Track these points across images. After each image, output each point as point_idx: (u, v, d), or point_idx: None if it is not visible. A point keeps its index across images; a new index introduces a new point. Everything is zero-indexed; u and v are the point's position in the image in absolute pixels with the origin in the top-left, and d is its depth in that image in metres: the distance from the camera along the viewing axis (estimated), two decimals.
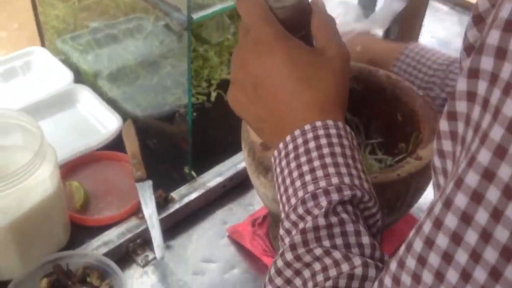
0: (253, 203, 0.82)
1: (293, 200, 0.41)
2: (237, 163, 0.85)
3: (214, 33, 1.04)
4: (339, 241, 0.39)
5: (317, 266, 0.38)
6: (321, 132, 0.42)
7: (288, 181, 0.42)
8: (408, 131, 0.64)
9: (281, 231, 0.42)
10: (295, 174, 0.42)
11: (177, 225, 0.78)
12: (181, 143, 0.87)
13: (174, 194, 0.79)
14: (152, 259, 0.73)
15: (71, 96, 0.91)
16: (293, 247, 0.39)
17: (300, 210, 0.40)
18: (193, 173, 0.82)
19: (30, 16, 1.21)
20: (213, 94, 0.98)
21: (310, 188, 0.40)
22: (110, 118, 0.88)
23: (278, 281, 0.40)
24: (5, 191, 0.56)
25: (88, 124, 0.89)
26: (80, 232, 0.73)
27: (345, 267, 0.37)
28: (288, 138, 0.43)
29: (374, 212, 0.42)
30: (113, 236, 0.72)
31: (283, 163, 0.43)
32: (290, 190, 0.42)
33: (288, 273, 0.39)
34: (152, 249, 0.74)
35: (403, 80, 0.67)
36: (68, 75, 0.93)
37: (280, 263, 0.40)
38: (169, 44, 0.93)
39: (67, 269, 0.64)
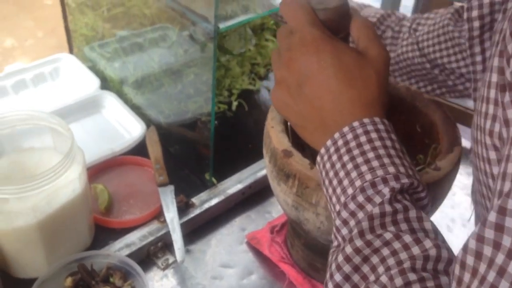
0: (271, 211, 0.84)
1: (349, 190, 0.42)
2: (257, 171, 0.87)
3: (237, 44, 1.07)
4: (403, 226, 0.40)
5: (385, 251, 0.39)
6: (370, 127, 0.44)
7: (342, 174, 0.43)
8: (426, 143, 0.65)
9: (338, 222, 0.43)
10: (349, 166, 0.43)
11: (197, 230, 0.80)
12: (202, 150, 0.89)
13: (195, 200, 0.81)
14: (172, 263, 0.74)
15: (98, 102, 0.94)
16: (361, 233, 0.40)
17: (360, 198, 0.41)
18: (214, 179, 0.84)
19: (57, 24, 1.25)
20: (234, 104, 1.00)
21: (368, 177, 0.42)
22: (134, 124, 0.90)
23: (341, 273, 0.40)
24: (36, 189, 0.58)
25: (113, 129, 0.91)
26: (104, 233, 0.75)
27: (415, 250, 0.39)
28: (336, 135, 0.44)
29: (425, 204, 0.44)
30: (135, 239, 0.74)
31: (334, 157, 0.44)
32: (346, 181, 0.43)
33: (356, 261, 0.40)
34: (172, 253, 0.75)
35: (423, 93, 0.69)
36: (95, 81, 0.96)
37: (344, 253, 0.40)
38: (193, 54, 0.96)
39: (91, 268, 0.66)
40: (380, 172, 0.42)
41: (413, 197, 0.44)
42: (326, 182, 0.45)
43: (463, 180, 0.92)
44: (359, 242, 0.40)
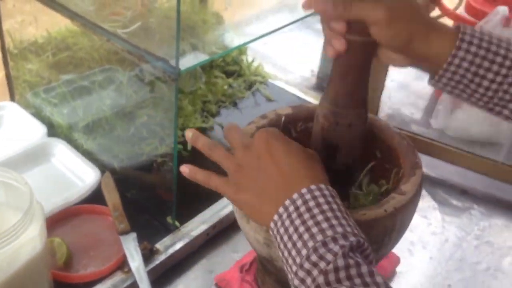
0: (238, 250, 0.83)
1: (303, 251, 0.46)
2: (219, 210, 0.86)
3: (187, 82, 1.06)
4: (357, 281, 0.43)
5: None
6: (317, 193, 0.49)
7: (295, 237, 0.47)
8: (387, 168, 0.67)
9: (296, 282, 0.46)
10: (301, 229, 0.47)
11: (163, 276, 0.77)
12: (162, 193, 0.87)
13: (159, 245, 0.78)
14: None
15: (46, 150, 0.90)
16: (318, 287, 0.43)
17: (314, 257, 0.45)
18: (177, 222, 0.82)
19: None
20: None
21: (319, 237, 0.46)
22: (87, 171, 0.86)
23: None
24: None
25: (65, 178, 0.87)
26: None
27: None
28: (287, 201, 0.49)
29: (371, 259, 0.48)
30: None
31: (287, 222, 0.48)
32: (299, 244, 0.46)
33: None
34: None
35: (379, 119, 0.71)
36: (41, 129, 0.92)
37: None
38: (144, 95, 0.94)
39: None
40: (329, 232, 0.46)
41: (362, 254, 0.47)
42: (281, 245, 0.49)
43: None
44: None
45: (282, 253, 0.49)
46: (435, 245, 0.87)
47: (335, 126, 0.59)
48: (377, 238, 0.58)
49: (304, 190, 0.49)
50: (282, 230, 0.49)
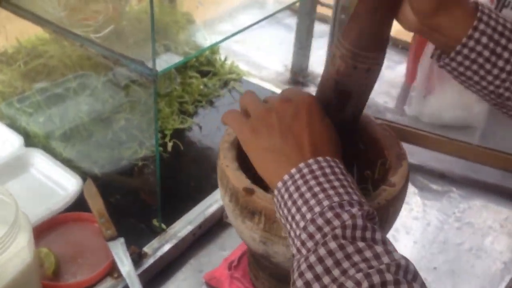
0: (226, 248, 0.83)
1: (317, 208, 0.45)
2: (204, 209, 0.86)
3: (162, 84, 1.06)
4: (371, 243, 0.43)
5: (356, 258, 0.42)
6: (333, 164, 0.49)
7: (308, 195, 0.47)
8: (371, 159, 0.68)
9: (303, 236, 0.45)
10: (317, 189, 0.47)
11: (153, 279, 0.77)
12: (146, 196, 0.86)
13: (147, 249, 0.78)
14: None
15: (24, 161, 0.88)
16: (335, 237, 0.43)
17: (329, 214, 0.45)
18: (163, 225, 0.82)
19: None
20: (169, 144, 0.99)
21: (336, 199, 0.46)
22: (68, 179, 0.85)
23: (313, 272, 0.42)
24: None
25: (46, 188, 0.86)
26: None
27: (386, 259, 0.41)
28: (302, 164, 0.48)
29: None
30: None
31: (299, 182, 0.48)
32: (312, 201, 0.46)
33: (328, 263, 0.42)
34: None
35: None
36: (18, 139, 0.90)
37: (313, 258, 0.43)
38: (122, 99, 0.94)
39: None
40: (345, 197, 0.46)
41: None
42: (289, 203, 0.48)
43: None
44: (332, 245, 0.43)
45: (288, 211, 0.48)
46: (418, 230, 0.89)
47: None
48: None
49: (320, 158, 0.49)
50: (293, 188, 0.48)
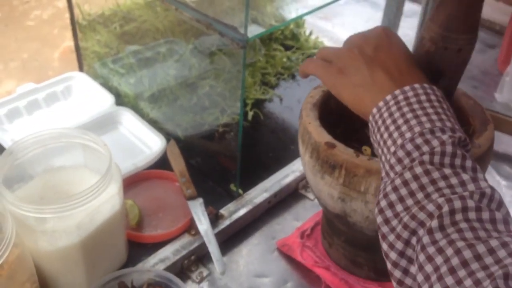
0: (299, 218, 0.84)
1: (408, 134, 0.46)
2: (280, 179, 0.87)
3: (248, 54, 1.07)
4: (460, 171, 0.43)
5: (442, 184, 0.42)
6: (429, 91, 0.49)
7: (400, 121, 0.47)
8: None
9: (392, 160, 0.46)
10: (409, 115, 0.47)
11: (227, 241, 0.79)
12: (225, 161, 0.89)
13: (223, 211, 0.80)
14: (206, 275, 0.74)
15: (114, 119, 0.93)
16: (422, 163, 0.44)
17: (419, 140, 0.45)
18: (240, 190, 0.84)
19: (42, 45, 1.24)
20: (250, 114, 1.00)
21: (427, 125, 0.46)
22: (153, 139, 0.89)
23: (397, 194, 0.44)
24: (80, 207, 0.57)
25: (133, 145, 0.90)
26: (135, 249, 0.74)
27: (471, 187, 0.42)
28: (397, 91, 0.49)
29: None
30: (168, 253, 0.73)
31: (393, 108, 0.48)
32: (404, 127, 0.46)
33: (412, 186, 0.43)
34: (205, 265, 0.75)
35: None
36: (110, 98, 0.95)
37: (398, 181, 0.44)
38: (208, 65, 0.96)
39: (131, 286, 0.65)
40: (439, 124, 0.46)
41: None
42: (382, 128, 0.49)
43: None
44: (418, 170, 0.43)
45: (381, 136, 0.48)
46: None
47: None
48: None
49: (416, 85, 0.49)
50: (386, 114, 0.48)
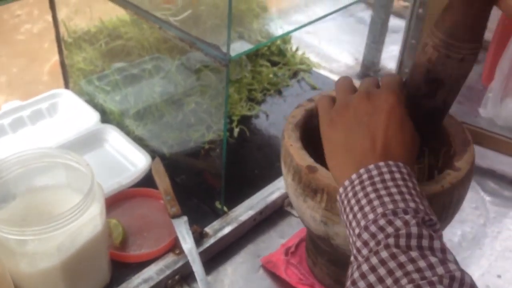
0: (284, 235, 0.84)
1: (371, 216, 0.45)
2: (266, 196, 0.87)
3: (233, 70, 1.08)
4: (428, 253, 0.42)
5: (410, 267, 0.41)
6: (394, 169, 0.48)
7: (364, 201, 0.47)
8: (435, 147, 0.67)
9: (358, 244, 0.45)
10: (372, 195, 0.46)
11: (212, 259, 0.79)
12: (210, 179, 0.89)
13: (208, 229, 0.80)
14: None
15: (99, 136, 0.93)
16: (387, 246, 0.43)
17: (382, 221, 0.44)
18: (225, 207, 0.84)
19: (32, 59, 1.24)
20: (236, 130, 1.01)
21: (390, 206, 0.45)
22: (138, 156, 0.89)
23: (366, 281, 0.42)
24: (61, 229, 0.57)
25: (118, 163, 0.90)
26: (119, 269, 0.74)
27: (440, 270, 0.40)
28: (362, 170, 0.48)
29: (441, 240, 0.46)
30: (152, 273, 0.73)
31: (357, 188, 0.48)
32: (367, 208, 0.46)
33: (381, 272, 0.41)
34: (189, 285, 0.74)
35: None
36: (95, 115, 0.95)
37: (365, 267, 0.42)
38: (193, 82, 0.96)
39: None
40: (401, 204, 0.45)
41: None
42: (347, 209, 0.48)
43: None
44: (384, 254, 0.42)
45: (347, 216, 0.48)
46: (487, 236, 0.86)
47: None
48: (435, 214, 0.58)
49: (381, 163, 0.48)
50: (350, 194, 0.48)
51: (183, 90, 0.97)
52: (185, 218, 0.79)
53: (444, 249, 0.43)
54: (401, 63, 1.16)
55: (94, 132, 0.93)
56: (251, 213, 0.84)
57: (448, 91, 0.56)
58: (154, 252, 0.74)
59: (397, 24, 1.31)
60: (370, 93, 0.53)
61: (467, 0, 0.50)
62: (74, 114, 0.97)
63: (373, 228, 0.44)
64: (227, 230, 0.81)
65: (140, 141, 0.93)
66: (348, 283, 0.43)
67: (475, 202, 0.91)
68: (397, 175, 0.47)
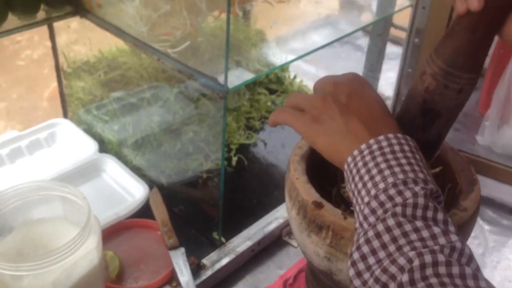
0: (282, 266, 0.83)
1: (381, 185, 0.46)
2: (264, 226, 0.87)
3: (231, 99, 1.08)
4: (431, 223, 0.44)
5: (413, 236, 0.43)
6: (403, 141, 0.49)
7: (374, 171, 0.47)
8: (440, 183, 0.66)
9: (366, 211, 0.46)
10: (383, 165, 0.47)
11: None
12: (208, 209, 0.88)
13: (205, 261, 0.80)
14: None
15: (97, 166, 0.93)
16: (394, 215, 0.44)
17: (392, 191, 0.45)
18: (222, 238, 0.83)
19: (32, 84, 1.24)
20: (234, 159, 1.01)
21: (400, 176, 0.46)
22: (136, 186, 0.89)
23: (369, 246, 0.44)
24: (56, 264, 0.56)
25: (116, 193, 0.90)
26: None
27: (442, 240, 0.42)
28: (372, 140, 0.49)
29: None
30: None
31: (368, 157, 0.48)
32: (378, 177, 0.47)
33: (385, 238, 0.43)
34: None
35: None
36: (93, 145, 0.95)
37: (371, 233, 0.44)
38: (192, 111, 0.97)
39: None
40: (411, 175, 0.46)
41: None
42: (357, 178, 0.49)
43: None
44: (391, 222, 0.44)
45: (356, 185, 0.49)
46: (486, 266, 0.85)
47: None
48: None
49: (390, 135, 0.49)
50: (360, 164, 0.48)
51: (181, 119, 0.97)
52: (182, 250, 0.78)
53: (446, 221, 0.44)
54: (398, 91, 1.17)
55: (92, 162, 0.93)
56: (249, 243, 0.83)
57: (444, 123, 0.55)
58: (151, 285, 0.74)
59: (394, 51, 1.32)
60: (335, 80, 0.54)
61: (470, 27, 0.49)
62: (72, 143, 0.97)
63: (382, 197, 0.45)
64: (224, 261, 0.80)
65: (138, 171, 0.93)
66: (354, 248, 0.45)
67: (474, 231, 0.91)
68: (406, 147, 0.48)
